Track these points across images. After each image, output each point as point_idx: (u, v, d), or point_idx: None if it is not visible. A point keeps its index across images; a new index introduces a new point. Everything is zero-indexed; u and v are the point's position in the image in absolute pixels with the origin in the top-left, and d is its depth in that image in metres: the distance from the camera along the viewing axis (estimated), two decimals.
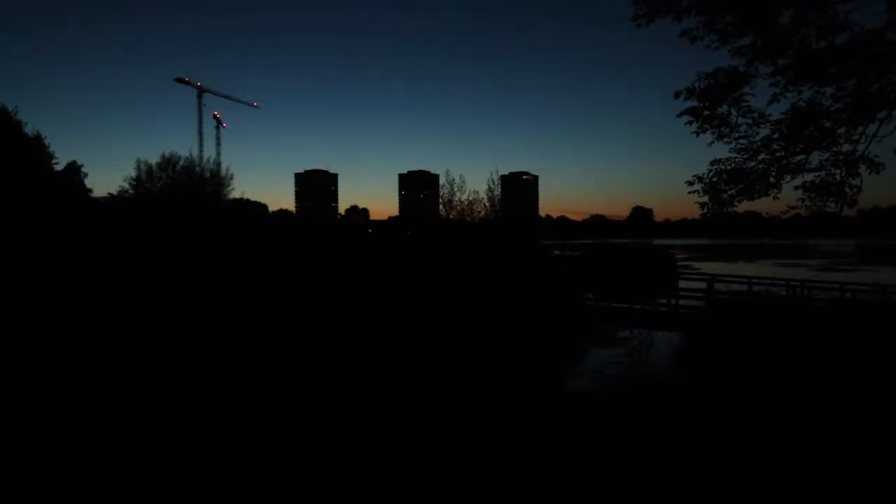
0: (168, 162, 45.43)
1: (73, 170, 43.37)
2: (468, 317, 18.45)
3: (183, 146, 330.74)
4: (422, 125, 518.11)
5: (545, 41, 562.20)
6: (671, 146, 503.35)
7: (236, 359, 14.94)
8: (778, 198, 11.31)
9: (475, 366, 15.98)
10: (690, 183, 11.50)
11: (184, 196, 42.06)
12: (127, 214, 37.71)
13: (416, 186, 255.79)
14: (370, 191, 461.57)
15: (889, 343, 13.95)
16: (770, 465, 8.96)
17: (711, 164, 11.39)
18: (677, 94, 10.87)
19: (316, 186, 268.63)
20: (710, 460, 9.36)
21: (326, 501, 9.18)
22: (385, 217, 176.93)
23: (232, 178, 50.87)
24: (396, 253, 31.78)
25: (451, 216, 31.64)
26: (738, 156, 11.19)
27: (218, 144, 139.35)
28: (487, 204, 31.27)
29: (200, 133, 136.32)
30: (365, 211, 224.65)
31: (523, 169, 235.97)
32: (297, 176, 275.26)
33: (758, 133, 10.94)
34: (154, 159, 45.78)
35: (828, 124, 10.61)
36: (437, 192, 51.73)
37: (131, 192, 44.59)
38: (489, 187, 31.82)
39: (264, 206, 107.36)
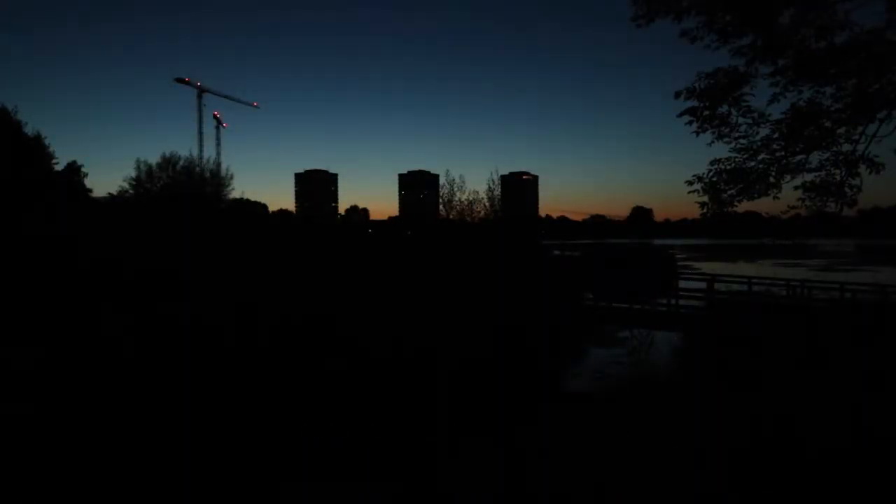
0: (168, 162, 45.48)
1: (73, 170, 43.36)
2: (468, 317, 18.44)
3: (183, 146, 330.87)
4: (422, 125, 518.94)
5: (545, 41, 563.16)
6: (671, 146, 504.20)
7: (236, 359, 14.93)
8: (778, 198, 11.33)
9: (475, 366, 15.97)
10: (690, 183, 11.51)
11: (184, 196, 42.06)
12: (127, 214, 37.71)
13: (416, 186, 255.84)
14: (370, 191, 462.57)
15: (889, 343, 13.95)
16: (770, 465, 8.96)
17: (711, 163, 11.41)
18: (677, 94, 10.88)
19: (316, 186, 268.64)
20: (710, 460, 9.35)
21: (326, 501, 9.18)
22: (385, 217, 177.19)
23: (232, 178, 50.98)
24: (396, 253, 31.78)
25: (451, 216, 31.64)
26: (738, 156, 11.20)
27: (218, 144, 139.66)
28: (487, 204, 31.31)
29: (200, 133, 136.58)
30: (365, 211, 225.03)
31: (523, 169, 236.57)
32: (297, 176, 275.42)
33: (758, 133, 10.96)
34: (154, 159, 45.91)
35: (828, 124, 10.61)
36: (437, 192, 51.83)
37: (131, 192, 44.62)
38: (489, 187, 31.87)
39: (264, 206, 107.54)
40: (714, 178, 11.35)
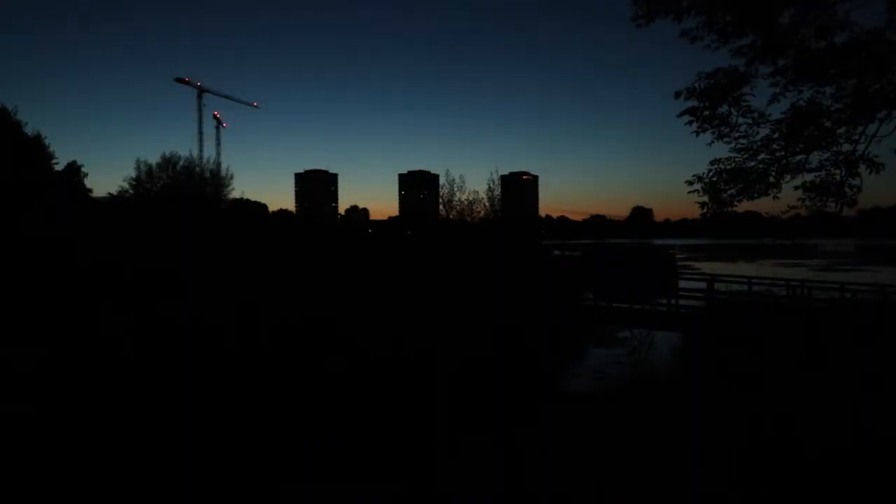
0: (168, 162, 45.48)
1: (73, 170, 43.36)
2: (468, 317, 18.44)
3: (183, 146, 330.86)
4: (422, 125, 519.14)
5: (545, 41, 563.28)
6: (671, 146, 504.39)
7: (236, 359, 14.93)
8: (778, 198, 11.34)
9: (475, 366, 15.97)
10: (690, 183, 11.52)
11: (184, 196, 42.06)
12: (127, 214, 37.71)
13: (416, 186, 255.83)
14: (370, 191, 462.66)
15: (889, 343, 13.95)
16: (770, 465, 8.96)
17: (711, 163, 11.42)
18: (677, 94, 10.88)
19: (316, 186, 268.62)
20: (710, 460, 9.35)
21: (326, 501, 9.18)
22: (385, 217, 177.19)
23: (232, 178, 50.98)
24: (396, 253, 31.78)
25: (451, 216, 31.63)
26: (738, 156, 11.21)
27: (218, 144, 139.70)
28: (487, 204, 31.30)
29: (200, 133, 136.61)
30: (365, 211, 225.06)
31: (523, 169, 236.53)
32: (297, 176, 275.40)
33: (758, 133, 10.96)
34: (154, 159, 45.90)
35: (828, 124, 10.62)
36: (437, 192, 51.83)
37: (131, 192, 44.62)
38: (489, 187, 31.85)
39: (264, 206, 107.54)
40: (714, 178, 11.36)
